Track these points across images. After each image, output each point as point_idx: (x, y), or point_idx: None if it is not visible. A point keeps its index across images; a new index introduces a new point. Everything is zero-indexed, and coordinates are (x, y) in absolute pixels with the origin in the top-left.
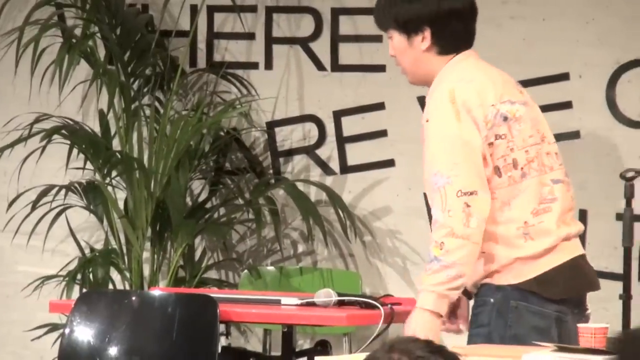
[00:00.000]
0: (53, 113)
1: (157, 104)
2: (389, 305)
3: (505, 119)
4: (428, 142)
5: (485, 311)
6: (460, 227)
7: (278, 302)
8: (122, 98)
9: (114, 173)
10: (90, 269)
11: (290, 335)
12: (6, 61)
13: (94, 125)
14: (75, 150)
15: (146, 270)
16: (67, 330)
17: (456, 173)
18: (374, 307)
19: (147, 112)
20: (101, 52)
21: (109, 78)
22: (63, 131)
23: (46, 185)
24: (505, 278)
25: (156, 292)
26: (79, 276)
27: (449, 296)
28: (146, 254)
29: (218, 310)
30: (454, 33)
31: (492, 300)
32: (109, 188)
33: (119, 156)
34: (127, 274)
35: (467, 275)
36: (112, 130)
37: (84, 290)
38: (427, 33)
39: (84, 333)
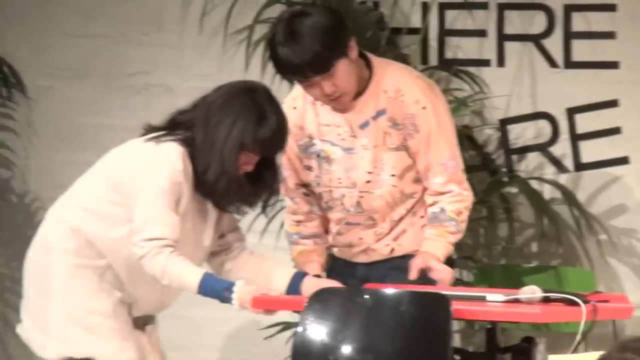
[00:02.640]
0: None
1: None
2: (592, 302)
3: None
4: (440, 129)
5: None
6: (470, 204)
7: (483, 299)
8: None
9: None
10: None
11: (494, 332)
12: (237, 59)
13: None
14: None
15: None
16: (300, 329)
17: (458, 154)
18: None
19: None
20: None
21: None
22: None
23: None
24: None
25: (389, 290)
26: None
27: None
28: None
29: (451, 309)
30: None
31: None
32: None
33: None
34: None
35: None
36: None
37: None
38: (353, 40)
39: (318, 331)
